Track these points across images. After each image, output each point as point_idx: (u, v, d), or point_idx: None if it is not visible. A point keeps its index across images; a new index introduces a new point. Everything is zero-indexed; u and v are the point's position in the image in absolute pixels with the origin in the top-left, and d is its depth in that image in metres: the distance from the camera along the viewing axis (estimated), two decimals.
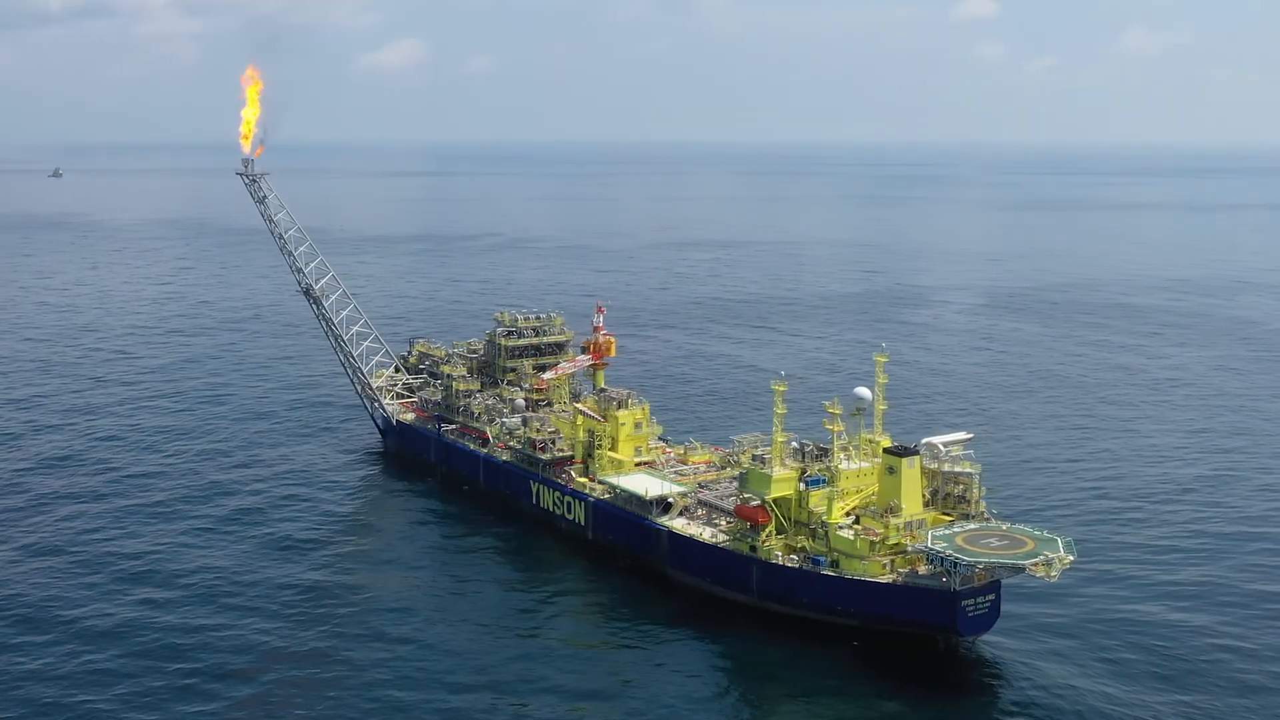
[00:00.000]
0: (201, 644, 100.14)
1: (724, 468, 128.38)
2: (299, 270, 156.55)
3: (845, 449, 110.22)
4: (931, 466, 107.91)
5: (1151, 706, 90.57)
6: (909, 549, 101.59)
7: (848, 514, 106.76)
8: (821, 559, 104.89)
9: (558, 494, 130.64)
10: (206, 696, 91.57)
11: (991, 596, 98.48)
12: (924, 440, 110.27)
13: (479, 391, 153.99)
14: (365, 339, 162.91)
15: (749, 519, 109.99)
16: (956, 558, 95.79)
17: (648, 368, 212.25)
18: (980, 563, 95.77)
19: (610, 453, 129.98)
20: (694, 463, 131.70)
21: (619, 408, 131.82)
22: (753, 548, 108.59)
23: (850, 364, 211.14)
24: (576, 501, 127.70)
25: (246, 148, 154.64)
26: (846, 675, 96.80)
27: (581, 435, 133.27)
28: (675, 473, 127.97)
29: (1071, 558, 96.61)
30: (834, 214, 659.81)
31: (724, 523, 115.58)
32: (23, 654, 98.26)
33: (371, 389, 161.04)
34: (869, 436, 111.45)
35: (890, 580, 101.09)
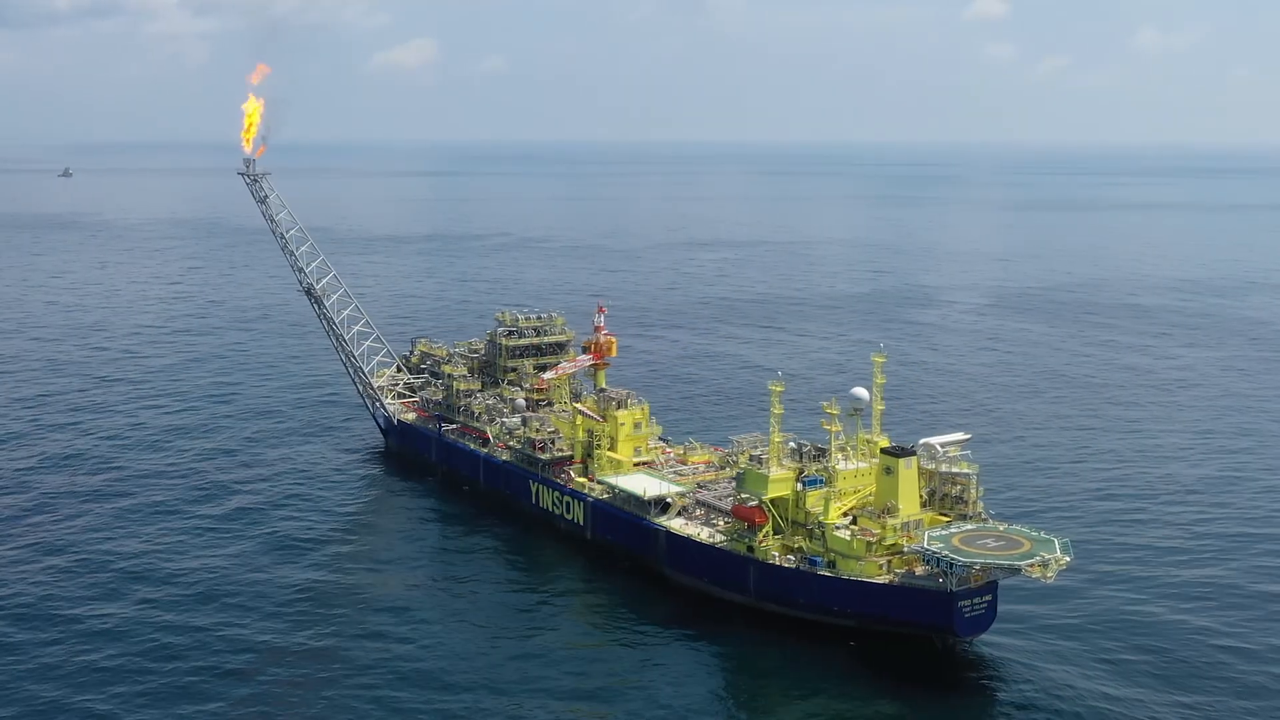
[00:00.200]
0: (201, 643, 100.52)
1: (723, 468, 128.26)
2: (300, 270, 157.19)
3: (843, 449, 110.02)
4: (929, 467, 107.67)
5: (1151, 707, 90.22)
6: (906, 549, 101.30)
7: (845, 514, 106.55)
8: (818, 559, 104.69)
9: (557, 494, 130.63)
10: (206, 696, 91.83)
11: (988, 597, 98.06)
12: (921, 441, 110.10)
13: (480, 391, 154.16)
14: (367, 338, 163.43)
15: (746, 519, 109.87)
16: (952, 558, 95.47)
17: (653, 367, 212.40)
18: (976, 563, 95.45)
19: (609, 453, 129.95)
20: (693, 463, 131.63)
21: (618, 408, 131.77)
22: (750, 548, 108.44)
23: (856, 364, 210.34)
24: (575, 501, 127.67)
25: (248, 147, 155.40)
26: (843, 676, 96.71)
27: (581, 435, 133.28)
28: (674, 473, 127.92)
29: (1068, 558, 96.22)
30: (843, 214, 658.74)
31: (722, 523, 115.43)
32: (23, 653, 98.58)
33: (372, 389, 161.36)
34: (866, 437, 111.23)
35: (887, 581, 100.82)
